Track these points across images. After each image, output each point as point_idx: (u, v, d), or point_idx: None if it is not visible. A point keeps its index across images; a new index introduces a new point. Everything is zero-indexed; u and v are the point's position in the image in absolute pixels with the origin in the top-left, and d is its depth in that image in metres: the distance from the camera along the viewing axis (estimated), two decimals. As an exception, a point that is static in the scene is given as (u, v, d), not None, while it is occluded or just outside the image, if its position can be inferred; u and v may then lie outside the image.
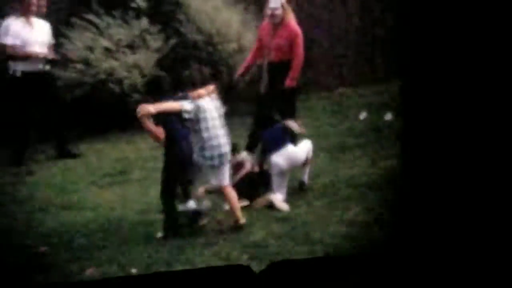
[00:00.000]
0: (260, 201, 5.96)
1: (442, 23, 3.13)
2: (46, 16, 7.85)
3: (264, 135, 6.16)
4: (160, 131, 5.36)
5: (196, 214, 5.59)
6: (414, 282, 2.42)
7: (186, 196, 5.64)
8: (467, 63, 3.06)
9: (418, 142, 3.38)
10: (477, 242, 2.86)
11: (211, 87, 5.58)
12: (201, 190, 5.77)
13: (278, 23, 6.83)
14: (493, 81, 3.03)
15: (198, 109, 5.37)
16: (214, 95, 5.54)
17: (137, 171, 7.15)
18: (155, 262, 4.81)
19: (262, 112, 6.69)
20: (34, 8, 7.54)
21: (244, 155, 6.38)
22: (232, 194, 5.58)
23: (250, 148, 6.72)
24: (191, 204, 5.59)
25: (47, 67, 7.63)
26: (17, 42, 7.43)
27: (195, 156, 5.45)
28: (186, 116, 5.34)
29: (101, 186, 6.75)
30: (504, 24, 2.97)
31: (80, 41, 8.35)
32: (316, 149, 6.52)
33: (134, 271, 4.67)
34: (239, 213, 5.52)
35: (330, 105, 9.11)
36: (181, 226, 5.48)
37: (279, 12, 6.77)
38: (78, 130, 7.89)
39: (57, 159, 7.73)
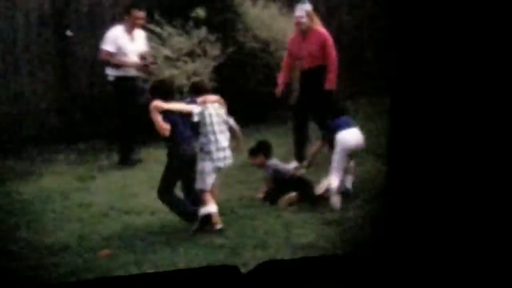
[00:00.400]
0: (287, 198, 6.32)
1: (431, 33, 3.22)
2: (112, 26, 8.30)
3: (334, 121, 6.48)
4: (166, 126, 5.75)
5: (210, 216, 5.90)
6: (408, 282, 2.40)
7: (189, 196, 5.99)
8: (455, 73, 3.14)
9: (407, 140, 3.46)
10: (471, 241, 2.87)
11: (215, 96, 6.01)
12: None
13: (306, 31, 7.08)
14: (482, 87, 3.10)
15: (204, 114, 5.85)
16: (219, 103, 6.04)
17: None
18: (211, 263, 5.03)
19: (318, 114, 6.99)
20: (139, 22, 8.09)
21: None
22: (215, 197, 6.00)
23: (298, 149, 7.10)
24: (210, 208, 5.88)
25: (139, 74, 8.14)
26: (115, 50, 7.99)
27: (200, 158, 5.88)
28: (195, 119, 5.78)
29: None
30: (488, 31, 3.03)
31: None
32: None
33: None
34: (217, 218, 5.87)
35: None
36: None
37: (304, 20, 7.08)
38: (142, 136, 8.23)
39: (119, 164, 8.19)
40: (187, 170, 5.93)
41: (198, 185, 5.89)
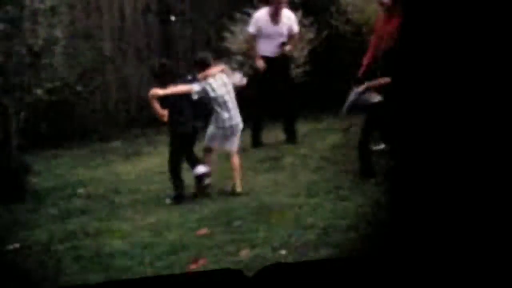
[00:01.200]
0: None
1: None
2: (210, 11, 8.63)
3: None
4: (163, 113, 6.25)
5: (202, 176, 6.50)
6: (415, 285, 2.37)
7: (193, 164, 6.55)
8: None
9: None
10: (472, 243, 2.84)
11: (219, 67, 6.23)
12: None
13: (390, 12, 7.08)
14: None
15: (206, 89, 6.23)
16: (224, 73, 6.43)
17: (289, 157, 7.69)
18: (302, 245, 5.21)
19: None
20: (283, 5, 8.18)
21: None
22: (237, 161, 6.56)
23: None
24: (200, 168, 6.49)
25: (285, 52, 8.24)
26: (256, 32, 8.18)
27: (211, 128, 6.48)
28: (196, 97, 6.16)
29: (256, 172, 7.30)
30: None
31: (241, 34, 9.02)
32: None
33: (283, 252, 5.09)
34: (239, 181, 6.43)
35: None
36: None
37: (387, 0, 7.05)
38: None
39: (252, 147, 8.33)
40: (187, 147, 6.54)
41: (205, 143, 6.61)
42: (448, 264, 2.47)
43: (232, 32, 9.08)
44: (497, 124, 2.97)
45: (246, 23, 8.79)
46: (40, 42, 7.37)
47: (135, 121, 9.84)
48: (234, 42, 9.04)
